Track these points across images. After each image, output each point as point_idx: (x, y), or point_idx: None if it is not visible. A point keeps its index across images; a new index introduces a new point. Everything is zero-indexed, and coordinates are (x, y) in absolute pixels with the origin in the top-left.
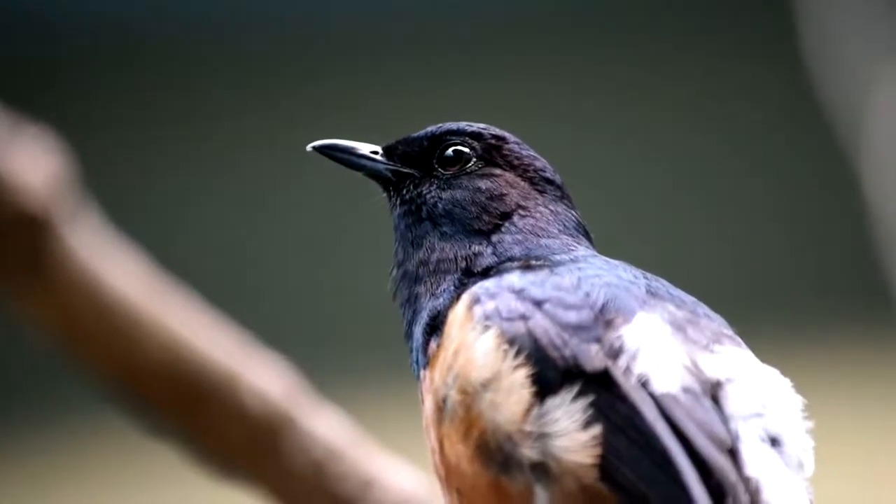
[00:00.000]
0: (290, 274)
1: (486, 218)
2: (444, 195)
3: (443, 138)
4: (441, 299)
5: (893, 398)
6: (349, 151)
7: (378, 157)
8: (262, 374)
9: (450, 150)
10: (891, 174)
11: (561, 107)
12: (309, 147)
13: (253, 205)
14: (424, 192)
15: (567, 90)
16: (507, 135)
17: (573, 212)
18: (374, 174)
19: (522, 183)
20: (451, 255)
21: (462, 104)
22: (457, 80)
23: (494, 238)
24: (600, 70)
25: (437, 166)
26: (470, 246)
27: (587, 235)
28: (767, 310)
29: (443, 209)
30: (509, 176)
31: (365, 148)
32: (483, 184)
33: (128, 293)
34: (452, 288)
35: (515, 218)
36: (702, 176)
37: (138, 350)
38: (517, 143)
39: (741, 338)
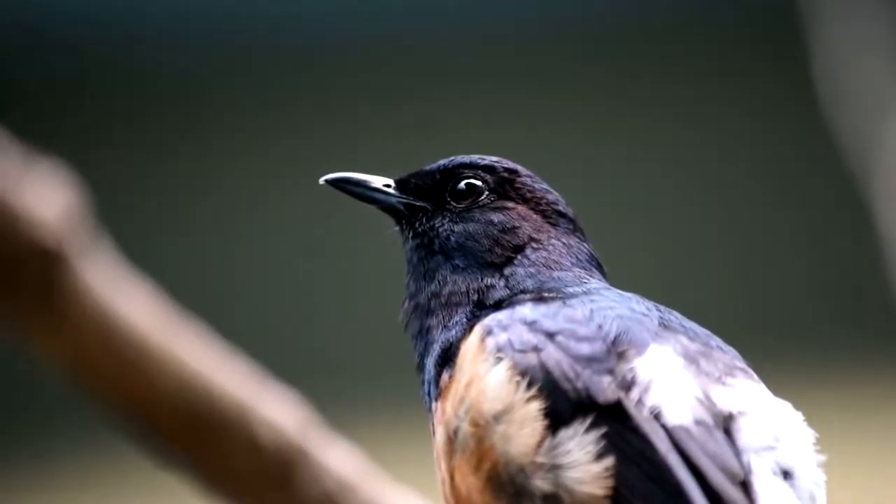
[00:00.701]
0: (303, 306)
1: (498, 251)
2: (457, 228)
3: (455, 171)
4: (453, 331)
5: None
6: (362, 185)
7: (391, 190)
8: (274, 407)
9: (462, 184)
10: None
11: (569, 126)
12: (322, 180)
13: (267, 238)
14: (437, 224)
15: (575, 110)
16: (519, 168)
17: (586, 244)
18: (387, 207)
19: (535, 216)
20: (464, 288)
21: (467, 118)
22: (460, 91)
23: (507, 271)
24: (609, 94)
25: (449, 199)
26: (482, 279)
27: (600, 268)
28: (778, 338)
29: (455, 242)
30: (522, 209)
31: (378, 181)
32: (496, 217)
33: (140, 326)
34: (465, 320)
35: (528, 251)
36: (713, 202)
37: (150, 382)
38: (529, 177)
39: (754, 370)
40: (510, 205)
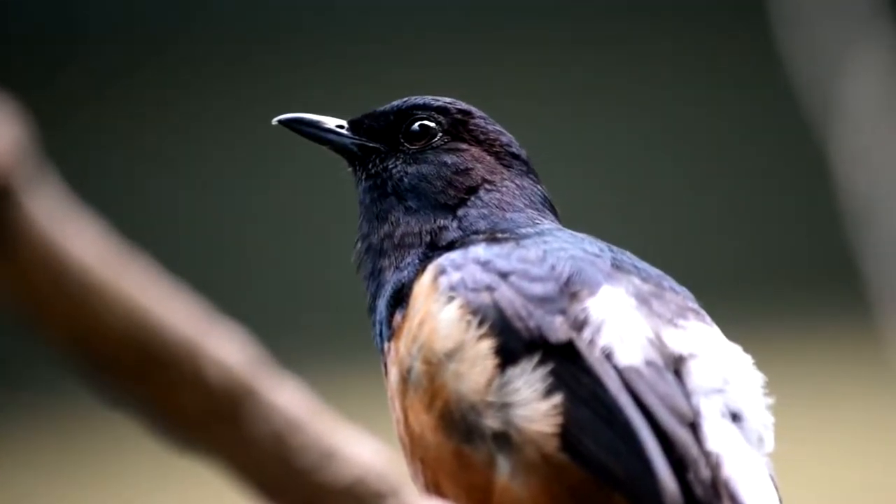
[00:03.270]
0: (253, 244)
1: (451, 192)
2: (410, 170)
3: (409, 113)
4: (405, 272)
5: (859, 378)
6: (315, 125)
7: (344, 131)
8: (222, 345)
9: (416, 125)
10: (861, 155)
11: (528, 77)
12: (274, 120)
13: (215, 174)
14: (390, 166)
15: (537, 60)
16: (473, 109)
17: (539, 186)
18: (340, 148)
19: (489, 158)
20: (416, 230)
21: (443, 75)
22: (440, 49)
23: (460, 212)
24: (571, 43)
25: (402, 141)
26: (435, 220)
27: (553, 210)
28: (734, 289)
29: (408, 184)
30: (475, 151)
31: (331, 122)
32: (449, 158)
33: (87, 262)
34: (417, 261)
35: (481, 192)
36: (669, 150)
37: (97, 319)
38: (483, 118)
39: (707, 312)
40: (464, 146)
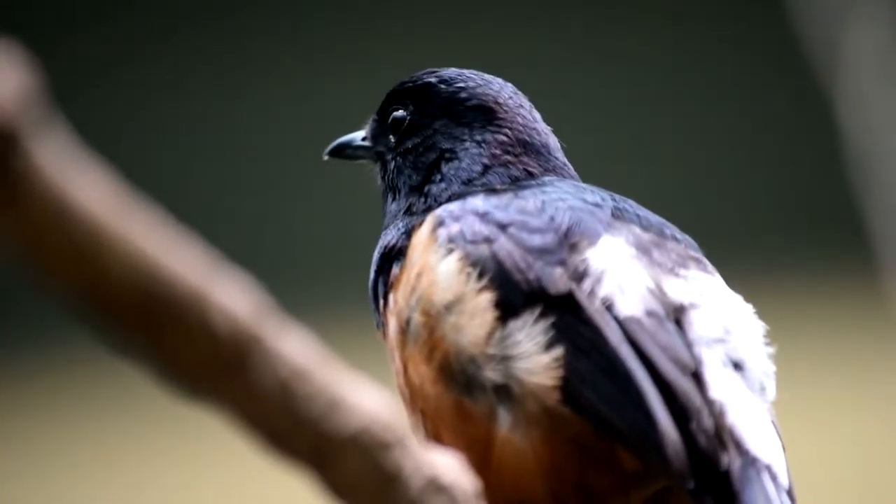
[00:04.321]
0: (259, 193)
1: (416, 175)
2: (391, 166)
3: (386, 108)
4: (389, 236)
5: (861, 327)
6: (348, 145)
7: (365, 142)
8: (229, 293)
9: (390, 119)
10: (866, 109)
11: (523, 32)
12: (325, 157)
13: (222, 123)
14: (388, 170)
15: (536, 12)
16: (434, 77)
17: (508, 129)
18: (370, 160)
19: (450, 123)
20: (394, 213)
21: (441, 28)
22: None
23: (425, 189)
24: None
25: (390, 138)
26: (407, 202)
27: (534, 146)
28: (737, 240)
29: (392, 181)
30: (438, 123)
31: (358, 136)
32: (412, 141)
33: (93, 209)
34: (400, 227)
35: (442, 165)
36: (675, 108)
37: (103, 267)
38: (445, 82)
39: (709, 261)
40: (426, 121)
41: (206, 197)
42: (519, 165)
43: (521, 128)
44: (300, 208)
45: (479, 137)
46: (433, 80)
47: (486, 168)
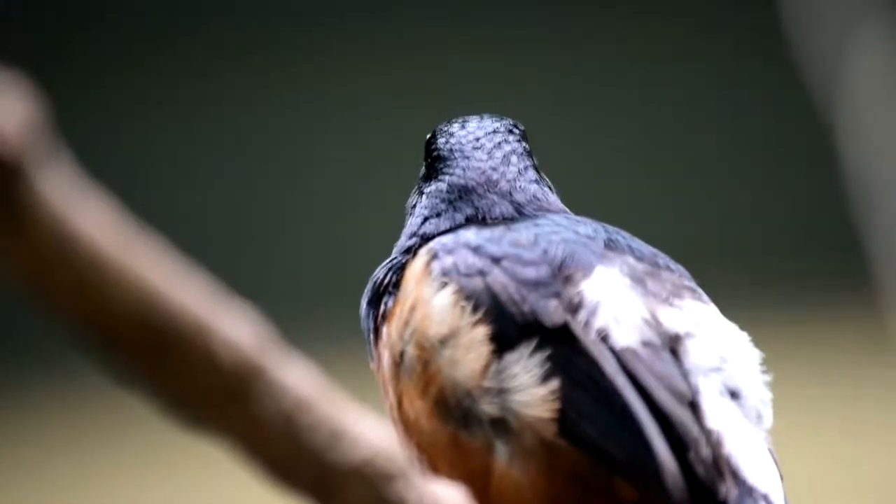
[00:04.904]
0: (262, 224)
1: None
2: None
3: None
4: (380, 273)
5: (860, 354)
6: None
7: None
8: (233, 324)
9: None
10: (865, 132)
11: (519, 52)
12: None
13: (227, 154)
14: None
15: (528, 35)
16: (435, 130)
17: (452, 174)
18: None
19: (425, 174)
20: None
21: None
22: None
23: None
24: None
25: None
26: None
27: (475, 190)
28: (735, 265)
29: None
30: (422, 173)
31: None
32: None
33: (98, 240)
34: (395, 261)
35: (408, 217)
36: (669, 129)
37: (106, 297)
38: (437, 132)
39: (706, 290)
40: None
41: (209, 228)
42: (438, 220)
43: (454, 165)
44: (304, 239)
45: (432, 187)
46: (435, 131)
47: (425, 219)
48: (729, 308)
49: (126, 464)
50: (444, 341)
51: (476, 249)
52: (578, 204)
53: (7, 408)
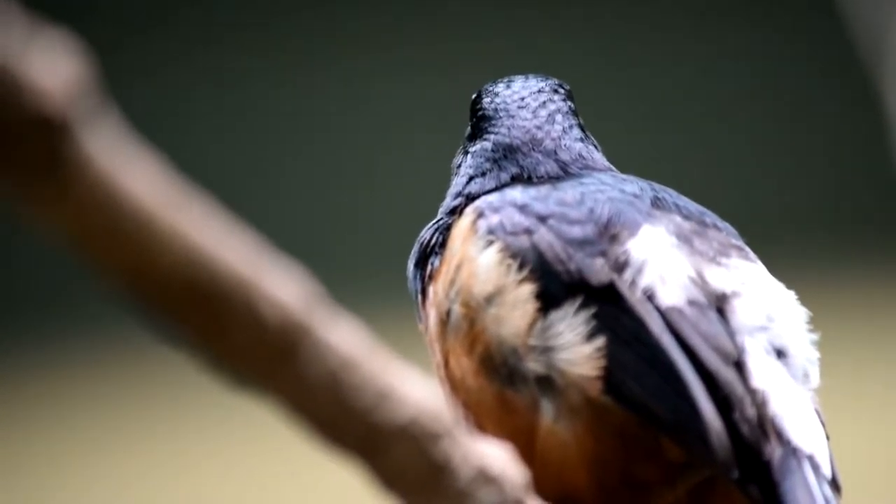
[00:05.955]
0: (310, 184)
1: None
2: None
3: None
4: (429, 231)
5: None
6: None
7: None
8: (279, 283)
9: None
10: None
11: (559, 21)
12: None
13: (273, 111)
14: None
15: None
16: (481, 90)
17: (497, 133)
18: None
19: (470, 134)
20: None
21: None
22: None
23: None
24: None
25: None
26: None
27: (520, 149)
28: (781, 227)
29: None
30: (467, 133)
31: None
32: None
33: (144, 199)
34: (440, 222)
35: (453, 177)
36: (708, 81)
37: (153, 257)
38: (479, 92)
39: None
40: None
41: (257, 186)
42: (489, 177)
43: (494, 124)
44: (352, 199)
45: (480, 145)
46: (480, 91)
47: (470, 179)
48: (776, 267)
49: (173, 422)
50: (489, 299)
51: (522, 208)
52: (619, 167)
53: (52, 371)
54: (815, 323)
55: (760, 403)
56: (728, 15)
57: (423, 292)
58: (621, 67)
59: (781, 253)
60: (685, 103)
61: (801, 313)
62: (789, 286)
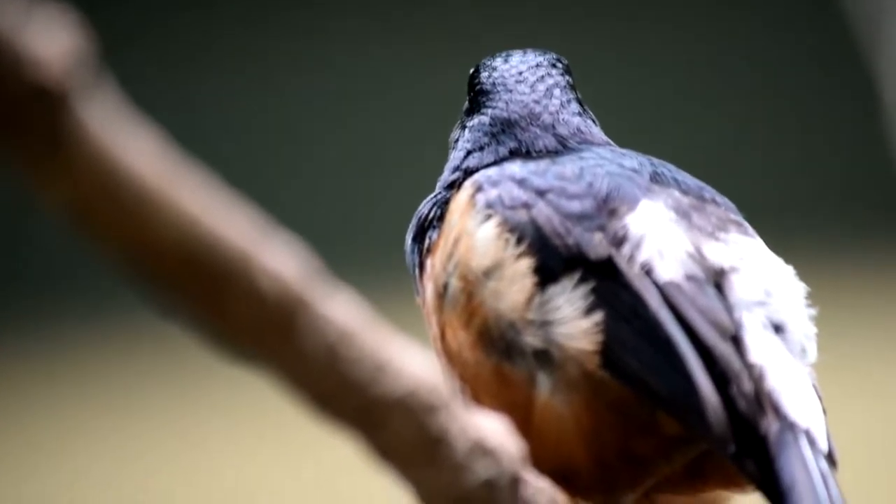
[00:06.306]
0: (307, 155)
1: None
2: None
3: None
4: (424, 208)
5: None
6: None
7: None
8: (277, 256)
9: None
10: None
11: (566, 11)
12: None
13: (272, 86)
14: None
15: None
16: (479, 65)
17: (495, 107)
18: None
19: (469, 109)
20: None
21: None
22: None
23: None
24: None
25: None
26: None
27: (518, 123)
28: (780, 217)
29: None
30: (465, 108)
31: None
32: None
33: (142, 170)
34: (438, 196)
35: (451, 151)
36: (709, 70)
37: (151, 229)
38: (478, 66)
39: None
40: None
41: (254, 160)
42: (481, 152)
43: (494, 98)
44: (350, 172)
45: (477, 120)
46: (478, 66)
47: (468, 153)
48: (774, 243)
49: (172, 395)
50: (487, 273)
51: (521, 182)
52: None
53: (53, 346)
54: (813, 298)
55: (757, 378)
56: (731, 8)
57: (421, 266)
58: (623, 62)
59: (782, 237)
60: (686, 96)
61: (799, 288)
62: (787, 259)
